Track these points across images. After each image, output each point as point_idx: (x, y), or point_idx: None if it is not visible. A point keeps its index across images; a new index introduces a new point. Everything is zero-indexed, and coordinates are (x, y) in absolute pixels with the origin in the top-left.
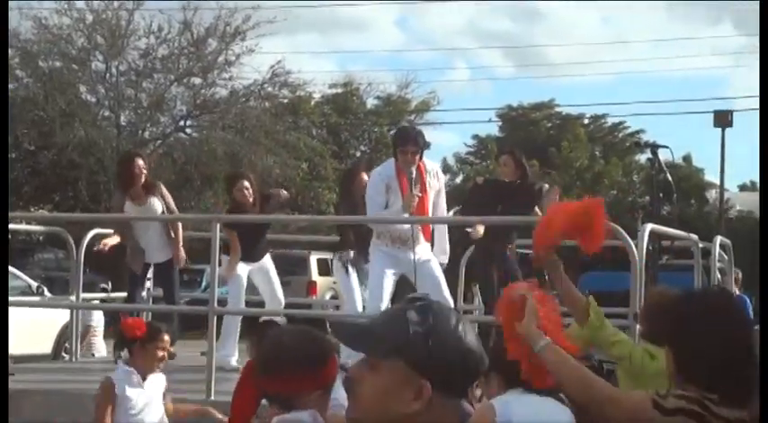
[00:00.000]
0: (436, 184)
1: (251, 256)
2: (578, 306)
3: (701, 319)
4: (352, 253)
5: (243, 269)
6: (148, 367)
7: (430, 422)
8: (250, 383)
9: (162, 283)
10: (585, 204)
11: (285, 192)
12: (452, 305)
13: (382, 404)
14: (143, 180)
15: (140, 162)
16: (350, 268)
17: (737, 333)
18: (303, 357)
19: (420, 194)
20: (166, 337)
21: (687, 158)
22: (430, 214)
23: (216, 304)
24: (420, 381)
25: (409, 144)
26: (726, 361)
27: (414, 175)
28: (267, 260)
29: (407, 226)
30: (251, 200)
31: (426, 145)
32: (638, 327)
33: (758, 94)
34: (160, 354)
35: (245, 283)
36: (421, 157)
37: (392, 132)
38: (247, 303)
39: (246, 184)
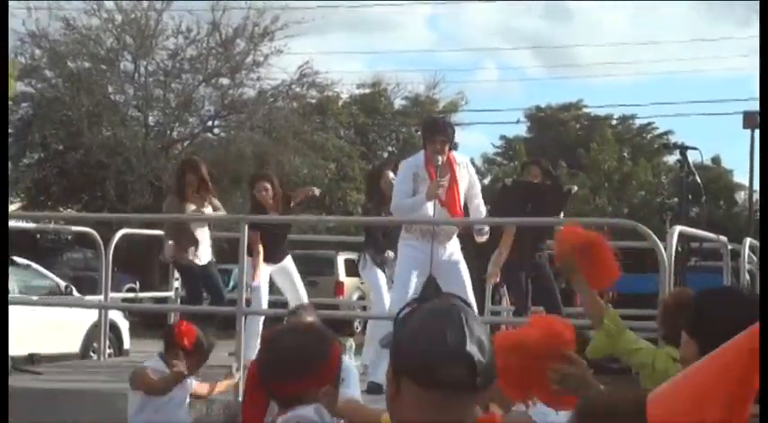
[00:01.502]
0: (466, 175)
1: (273, 257)
2: (597, 313)
3: (729, 310)
4: (374, 252)
5: (264, 270)
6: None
7: (405, 414)
8: (258, 386)
9: (208, 282)
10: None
11: (317, 189)
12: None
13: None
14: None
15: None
16: (377, 266)
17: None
18: (306, 356)
19: (444, 183)
20: (208, 355)
21: (716, 160)
22: (461, 205)
23: (244, 305)
24: (397, 375)
25: (438, 134)
26: None
27: (440, 163)
28: (288, 261)
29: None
30: (271, 201)
31: (455, 144)
32: None
33: (759, 95)
34: (196, 368)
35: (267, 285)
36: (450, 148)
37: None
38: (272, 304)
39: (267, 185)
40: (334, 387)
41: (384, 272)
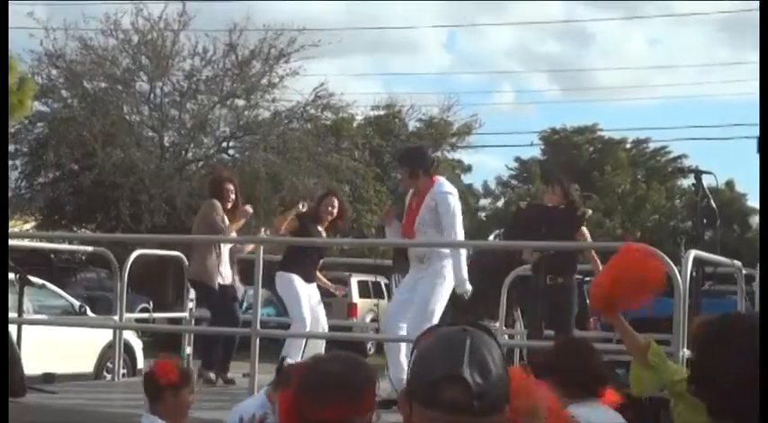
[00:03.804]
0: (431, 201)
1: (309, 276)
2: (638, 349)
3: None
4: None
5: (302, 286)
6: (180, 414)
7: None
8: (293, 415)
9: (225, 303)
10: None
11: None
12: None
13: None
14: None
15: (231, 186)
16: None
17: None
18: (351, 384)
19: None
20: (195, 379)
21: (730, 184)
22: (415, 230)
23: (258, 326)
24: (408, 398)
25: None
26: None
27: (409, 193)
28: (315, 285)
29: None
30: (330, 218)
31: (404, 161)
32: (681, 353)
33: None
34: (191, 398)
35: (306, 301)
36: (411, 176)
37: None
38: (285, 326)
39: (335, 201)
40: (373, 414)
41: None
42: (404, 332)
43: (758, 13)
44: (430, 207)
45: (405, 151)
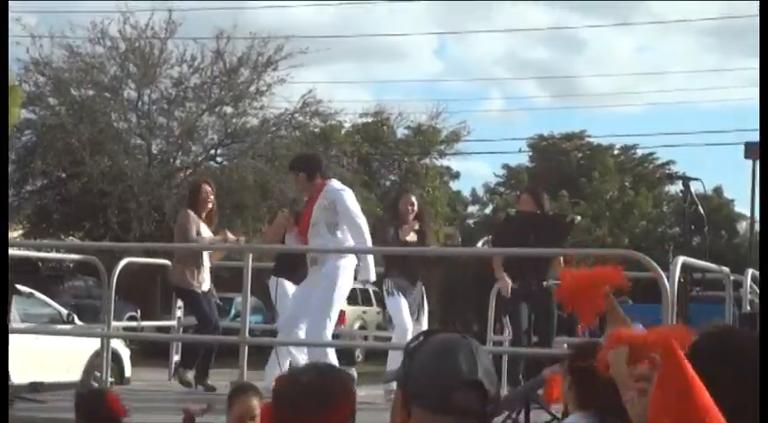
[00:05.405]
0: (323, 200)
1: (298, 277)
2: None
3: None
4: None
5: (291, 288)
6: None
7: None
8: None
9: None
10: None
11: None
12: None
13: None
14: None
15: (208, 188)
16: (396, 292)
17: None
18: (325, 392)
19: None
20: None
21: (717, 190)
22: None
23: (247, 334)
24: (407, 402)
25: None
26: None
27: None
28: None
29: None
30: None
31: (301, 167)
32: None
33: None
34: None
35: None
36: (308, 179)
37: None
38: (271, 333)
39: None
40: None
41: (402, 296)
42: (302, 334)
43: (748, 18)
44: (323, 206)
45: (299, 157)
